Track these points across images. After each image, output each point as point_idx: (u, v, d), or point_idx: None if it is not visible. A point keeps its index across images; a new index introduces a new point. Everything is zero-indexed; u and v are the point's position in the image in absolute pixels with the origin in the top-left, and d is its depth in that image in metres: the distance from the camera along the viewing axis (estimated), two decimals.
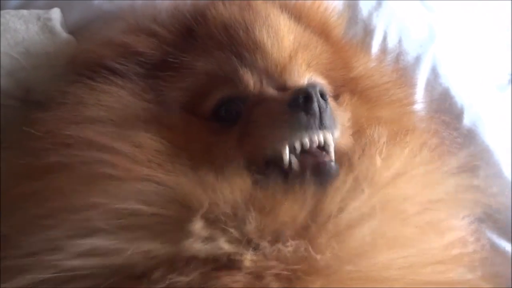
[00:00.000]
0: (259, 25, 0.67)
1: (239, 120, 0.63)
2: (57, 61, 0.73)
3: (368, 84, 0.77)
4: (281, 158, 0.59)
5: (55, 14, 0.80)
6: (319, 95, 0.58)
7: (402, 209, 0.61)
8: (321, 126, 0.58)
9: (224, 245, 0.53)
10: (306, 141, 0.58)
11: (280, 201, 0.55)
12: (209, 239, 0.53)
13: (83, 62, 0.70)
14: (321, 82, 0.70)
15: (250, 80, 0.64)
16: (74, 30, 0.84)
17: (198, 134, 0.63)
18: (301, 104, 0.58)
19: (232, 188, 0.55)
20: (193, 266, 0.52)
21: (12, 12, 0.79)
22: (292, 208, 0.55)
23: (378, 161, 0.63)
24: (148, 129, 0.62)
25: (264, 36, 0.66)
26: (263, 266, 0.53)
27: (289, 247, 0.53)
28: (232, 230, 0.53)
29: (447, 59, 0.98)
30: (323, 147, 0.60)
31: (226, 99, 0.65)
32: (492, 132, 0.93)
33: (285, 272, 0.53)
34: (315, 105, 0.58)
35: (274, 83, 0.64)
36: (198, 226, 0.53)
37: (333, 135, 0.61)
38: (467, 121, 0.93)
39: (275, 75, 0.64)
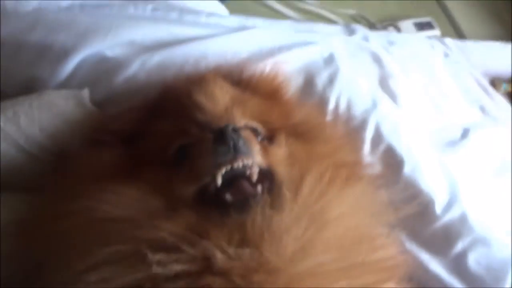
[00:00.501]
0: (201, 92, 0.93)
1: (187, 160, 0.85)
2: (81, 127, 1.02)
3: (306, 127, 0.99)
4: (210, 185, 0.79)
5: (85, 93, 1.10)
6: (231, 131, 0.81)
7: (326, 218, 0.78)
8: (236, 150, 0.80)
9: (177, 266, 0.70)
10: (227, 162, 0.79)
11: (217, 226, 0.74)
12: (163, 263, 0.71)
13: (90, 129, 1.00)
14: (254, 125, 0.92)
15: (195, 130, 0.88)
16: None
17: (167, 179, 0.85)
18: (219, 138, 0.80)
19: (178, 222, 0.75)
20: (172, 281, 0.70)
21: (54, 91, 1.09)
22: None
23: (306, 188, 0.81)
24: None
25: (202, 99, 0.91)
26: (231, 268, 0.70)
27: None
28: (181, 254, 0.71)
29: (389, 122, 1.20)
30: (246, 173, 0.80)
31: (180, 146, 0.88)
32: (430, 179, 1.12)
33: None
34: (229, 137, 0.80)
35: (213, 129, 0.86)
36: (152, 256, 0.71)
37: (252, 158, 0.81)
38: (407, 169, 1.12)
39: (213, 124, 0.87)
